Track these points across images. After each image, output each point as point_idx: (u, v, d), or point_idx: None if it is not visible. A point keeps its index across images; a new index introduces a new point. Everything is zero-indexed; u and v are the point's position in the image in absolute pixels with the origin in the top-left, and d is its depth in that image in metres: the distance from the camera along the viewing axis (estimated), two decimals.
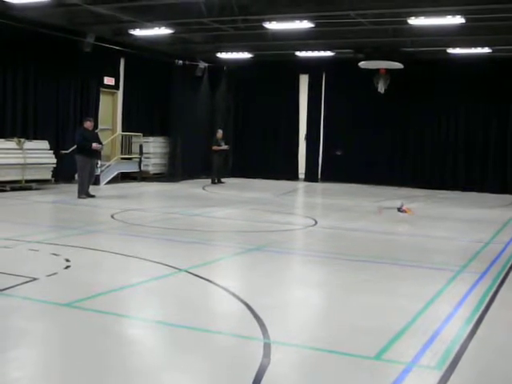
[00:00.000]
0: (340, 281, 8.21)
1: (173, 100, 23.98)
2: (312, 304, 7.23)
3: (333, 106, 25.01)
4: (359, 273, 8.65)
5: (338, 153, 24.29)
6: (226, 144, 23.61)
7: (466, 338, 5.80)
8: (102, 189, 19.29)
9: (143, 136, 22.92)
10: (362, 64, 21.92)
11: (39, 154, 18.43)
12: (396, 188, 22.62)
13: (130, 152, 22.59)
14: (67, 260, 8.53)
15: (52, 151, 18.87)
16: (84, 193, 16.51)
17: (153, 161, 23.68)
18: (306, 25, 18.00)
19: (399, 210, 15.32)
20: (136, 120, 23.20)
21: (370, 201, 18.08)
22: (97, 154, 17.50)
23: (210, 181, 23.01)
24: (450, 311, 6.70)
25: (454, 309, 6.81)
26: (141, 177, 22.70)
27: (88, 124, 17.00)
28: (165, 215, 14.07)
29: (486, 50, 20.72)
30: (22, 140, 18.07)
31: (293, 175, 25.52)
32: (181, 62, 24.01)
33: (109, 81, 22.22)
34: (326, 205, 18.22)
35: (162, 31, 19.61)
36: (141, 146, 22.52)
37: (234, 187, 21.96)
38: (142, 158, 22.65)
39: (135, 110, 23.33)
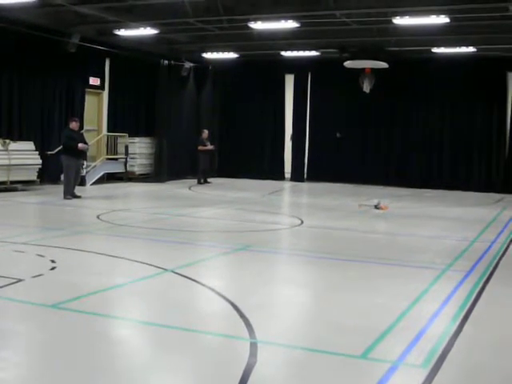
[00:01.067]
0: (326, 280, 8.22)
1: (158, 100, 23.92)
2: (298, 303, 7.22)
3: (318, 105, 25.06)
4: (345, 272, 8.67)
5: (338, 135, 24.11)
6: (211, 144, 23.58)
7: (452, 335, 5.81)
8: (87, 189, 19.21)
9: (129, 136, 22.85)
10: (348, 64, 21.96)
11: (24, 154, 18.33)
12: (381, 187, 22.68)
13: (115, 152, 22.52)
14: (53, 261, 8.48)
15: (37, 152, 18.77)
16: (70, 193, 16.44)
17: (138, 161, 23.61)
18: (291, 24, 18.01)
19: (376, 207, 15.88)
20: (121, 120, 23.13)
21: (355, 200, 18.07)
22: (83, 155, 17.44)
23: (196, 181, 22.98)
24: (436, 309, 6.71)
25: (440, 307, 6.82)
26: (127, 177, 22.64)
27: (74, 124, 16.92)
28: (151, 216, 14.04)
29: (471, 49, 20.82)
30: (7, 141, 17.96)
31: (279, 175, 25.53)
32: (166, 62, 23.96)
33: (94, 81, 22.13)
34: (312, 204, 18.23)
35: (147, 31, 19.56)
36: (126, 147, 22.45)
37: (220, 187, 21.94)
38: (128, 159, 22.59)
39: (121, 111, 23.25)
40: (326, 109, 24.67)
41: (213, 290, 7.33)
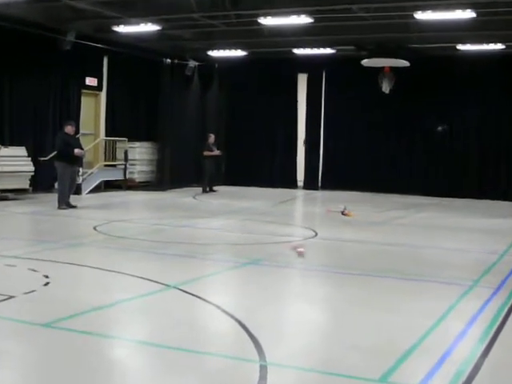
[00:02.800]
0: (342, 296, 8.21)
1: (161, 102, 23.98)
2: (312, 322, 7.21)
3: (334, 107, 25.05)
4: (363, 288, 8.66)
5: (440, 128, 23.75)
6: (218, 149, 23.60)
7: (478, 358, 5.79)
8: (83, 198, 19.25)
9: (128, 141, 22.88)
10: (365, 62, 21.97)
11: (16, 161, 18.38)
12: (402, 196, 22.59)
13: (114, 158, 22.57)
14: (46, 276, 8.50)
15: (30, 158, 18.83)
16: (64, 203, 16.48)
17: (139, 168, 23.66)
18: (304, 20, 18.03)
19: (342, 213, 16.44)
20: (120, 124, 23.17)
21: (374, 210, 18.08)
22: (78, 161, 17.48)
23: (200, 189, 23.00)
24: (462, 329, 6.69)
25: (466, 326, 6.80)
26: (126, 185, 22.67)
27: (69, 128, 16.99)
28: (152, 227, 14.05)
29: (499, 46, 20.78)
30: None
31: (291, 183, 25.51)
32: (169, 60, 24.03)
33: (91, 81, 22.20)
34: (327, 215, 18.18)
35: (149, 27, 19.63)
36: (126, 152, 22.49)
37: (227, 196, 21.96)
38: (128, 165, 22.62)
39: (120, 113, 23.29)
40: (342, 111, 24.66)
41: (219, 307, 7.33)
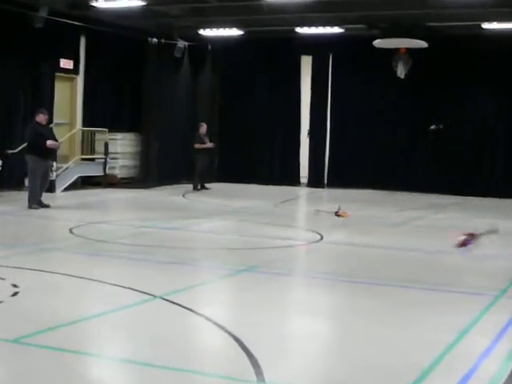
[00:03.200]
0: (350, 308, 8.21)
1: (146, 87, 23.97)
2: (316, 337, 7.21)
3: (342, 94, 25.01)
4: (374, 298, 8.65)
5: (433, 127, 23.71)
6: (210, 141, 23.58)
7: (507, 377, 5.78)
8: (58, 197, 19.24)
9: (109, 132, 22.86)
10: (378, 42, 21.95)
11: None
12: (417, 194, 22.52)
13: (92, 152, 22.54)
14: (15, 285, 8.48)
15: None
16: (36, 202, 16.45)
17: (121, 162, 23.64)
18: None
19: (336, 214, 16.54)
20: (100, 112, 23.11)
21: (387, 211, 18.08)
22: (52, 155, 17.46)
23: (191, 186, 22.99)
24: (488, 345, 6.69)
25: (492, 342, 6.80)
26: (106, 182, 22.65)
27: (41, 117, 16.95)
28: (135, 229, 14.05)
29: None
30: None
31: (293, 180, 25.51)
32: (155, 40, 24.01)
33: (66, 64, 22.14)
34: (334, 216, 18.19)
35: (132, 2, 19.61)
36: (106, 145, 22.47)
37: (221, 194, 21.95)
38: (108, 159, 22.60)
39: (99, 100, 23.23)
40: (351, 98, 24.61)
41: (211, 320, 7.32)
